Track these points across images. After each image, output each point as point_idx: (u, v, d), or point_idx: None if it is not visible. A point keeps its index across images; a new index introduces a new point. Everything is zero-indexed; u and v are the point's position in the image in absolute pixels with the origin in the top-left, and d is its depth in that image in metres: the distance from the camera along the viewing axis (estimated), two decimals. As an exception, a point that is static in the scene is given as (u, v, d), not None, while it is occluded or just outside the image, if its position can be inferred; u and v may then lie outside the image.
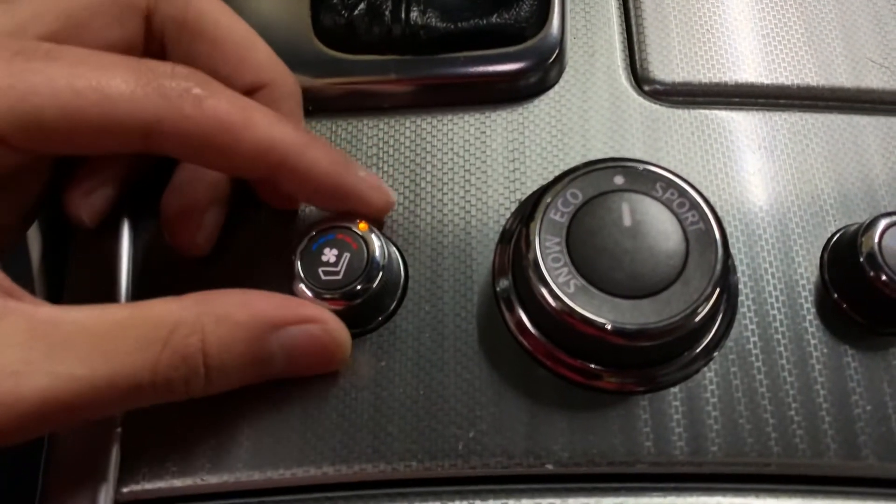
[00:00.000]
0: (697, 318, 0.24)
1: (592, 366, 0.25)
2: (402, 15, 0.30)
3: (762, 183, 0.29)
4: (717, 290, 0.24)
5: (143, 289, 0.28)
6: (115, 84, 0.22)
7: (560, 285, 0.24)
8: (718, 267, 0.24)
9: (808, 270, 0.27)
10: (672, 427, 0.25)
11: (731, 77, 0.31)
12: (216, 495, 0.25)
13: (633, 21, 0.33)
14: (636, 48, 0.32)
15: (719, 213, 0.25)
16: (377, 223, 0.28)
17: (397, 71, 0.30)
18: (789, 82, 0.31)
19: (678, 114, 0.30)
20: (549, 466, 0.25)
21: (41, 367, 0.20)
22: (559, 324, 0.24)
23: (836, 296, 0.27)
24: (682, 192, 0.26)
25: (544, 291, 0.24)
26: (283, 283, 0.26)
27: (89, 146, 0.23)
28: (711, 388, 0.26)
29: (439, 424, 0.25)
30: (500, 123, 0.30)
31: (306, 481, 0.25)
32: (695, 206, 0.25)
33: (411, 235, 0.28)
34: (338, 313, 0.25)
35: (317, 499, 0.25)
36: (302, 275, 0.25)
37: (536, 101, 0.31)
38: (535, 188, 0.29)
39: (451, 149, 0.30)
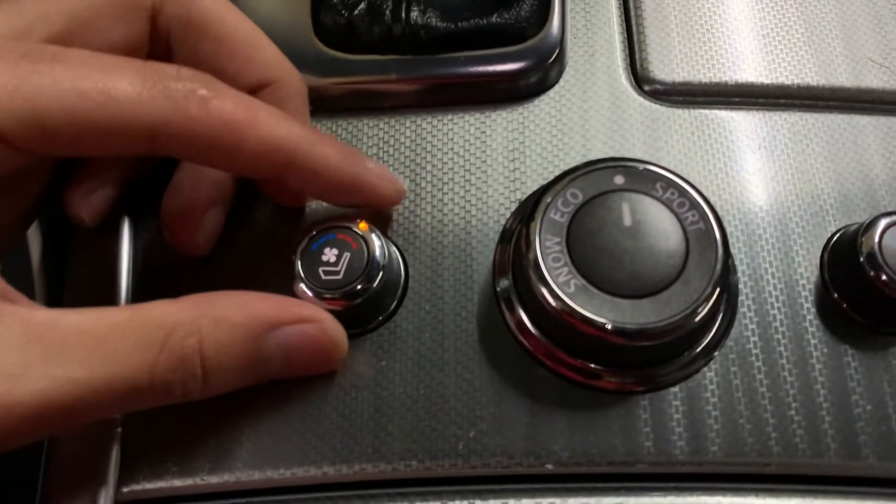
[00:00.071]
0: (697, 318, 0.24)
1: (592, 365, 0.25)
2: (403, 15, 0.30)
3: (762, 183, 0.29)
4: (717, 289, 0.24)
5: (143, 289, 0.28)
6: (121, 86, 0.22)
7: (560, 285, 0.24)
8: (718, 267, 0.24)
9: (808, 270, 0.27)
10: (672, 427, 0.25)
11: (731, 77, 0.31)
12: (216, 495, 0.25)
13: (633, 21, 0.33)
14: (636, 48, 0.32)
15: (719, 213, 0.25)
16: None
17: (397, 71, 0.30)
18: (789, 82, 0.31)
19: (678, 113, 0.30)
20: (550, 466, 0.25)
21: (38, 370, 0.20)
22: (559, 323, 0.24)
23: (836, 295, 0.27)
24: (683, 192, 0.26)
25: (544, 291, 0.24)
26: (284, 283, 0.26)
27: (95, 148, 0.23)
28: (711, 387, 0.26)
29: (439, 424, 0.25)
30: (500, 123, 0.30)
31: (306, 481, 0.25)
32: (695, 205, 0.25)
33: (411, 235, 0.28)
34: (338, 313, 0.25)
35: (317, 498, 0.25)
36: (302, 274, 0.25)
37: (536, 101, 0.31)
38: (535, 188, 0.29)
39: (452, 148, 0.30)
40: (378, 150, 0.30)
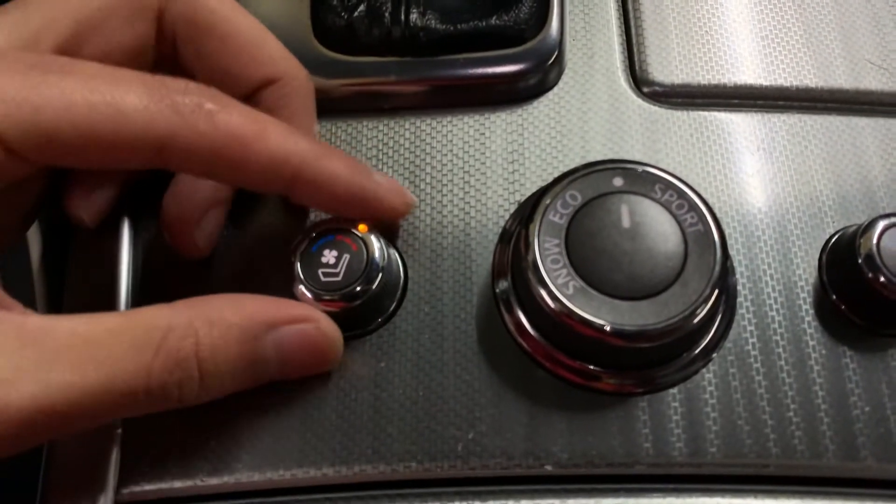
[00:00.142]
0: (696, 320, 0.24)
1: (591, 367, 0.25)
2: (402, 17, 0.31)
3: (761, 184, 0.29)
4: (716, 291, 0.24)
5: (143, 289, 0.28)
6: (129, 99, 0.22)
7: (559, 287, 0.24)
8: (717, 268, 0.24)
9: (806, 272, 0.27)
10: (671, 428, 0.25)
11: (729, 79, 0.31)
12: (216, 496, 0.25)
13: (632, 23, 0.33)
14: (635, 50, 0.32)
15: (718, 215, 0.26)
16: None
17: (397, 72, 0.31)
18: (788, 84, 0.31)
19: (677, 115, 0.30)
20: (549, 467, 0.25)
21: (32, 374, 0.20)
22: (558, 325, 0.24)
23: (834, 297, 0.27)
24: (681, 194, 0.26)
25: (543, 293, 0.24)
26: (283, 285, 0.26)
27: (102, 160, 0.23)
28: (710, 389, 0.26)
29: (439, 425, 0.25)
30: (499, 125, 0.30)
31: (306, 482, 0.25)
32: (693, 207, 0.25)
33: (411, 237, 0.28)
34: (337, 314, 0.25)
35: (316, 499, 0.25)
36: (301, 276, 0.25)
37: (536, 103, 0.31)
38: (534, 189, 0.29)
39: (451, 150, 0.30)
40: (377, 151, 0.30)
